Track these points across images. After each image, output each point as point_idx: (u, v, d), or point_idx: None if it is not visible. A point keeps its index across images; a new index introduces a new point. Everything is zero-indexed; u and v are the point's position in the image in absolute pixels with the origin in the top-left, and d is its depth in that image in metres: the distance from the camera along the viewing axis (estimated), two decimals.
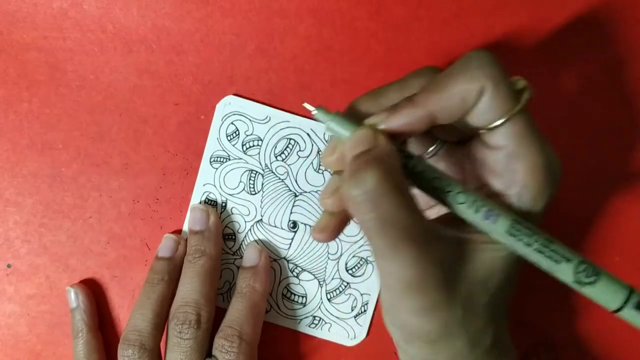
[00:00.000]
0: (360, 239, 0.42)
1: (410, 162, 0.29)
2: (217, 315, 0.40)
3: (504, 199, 0.30)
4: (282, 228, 0.42)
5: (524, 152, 0.28)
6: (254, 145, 0.42)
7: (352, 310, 0.43)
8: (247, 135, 0.42)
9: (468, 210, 0.28)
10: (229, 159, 0.42)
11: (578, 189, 0.41)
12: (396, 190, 0.26)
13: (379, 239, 0.27)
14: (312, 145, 0.42)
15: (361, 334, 0.43)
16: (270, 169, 0.42)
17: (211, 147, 0.42)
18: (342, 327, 0.43)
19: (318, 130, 0.42)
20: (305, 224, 0.42)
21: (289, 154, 0.42)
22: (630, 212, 0.42)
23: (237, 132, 0.42)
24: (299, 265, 0.43)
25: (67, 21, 0.41)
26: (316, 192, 0.42)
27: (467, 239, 0.29)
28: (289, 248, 0.43)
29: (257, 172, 0.42)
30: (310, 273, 0.43)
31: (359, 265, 0.42)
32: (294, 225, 0.42)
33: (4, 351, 0.43)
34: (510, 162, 0.29)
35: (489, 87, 0.27)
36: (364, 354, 0.43)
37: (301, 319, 0.43)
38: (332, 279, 0.42)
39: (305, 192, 0.42)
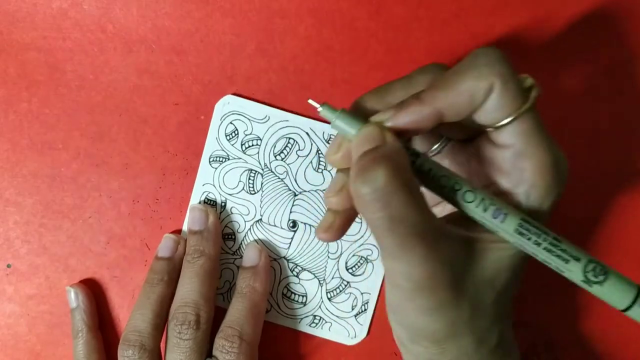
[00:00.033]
0: (360, 237, 0.41)
1: (417, 160, 0.28)
2: (217, 315, 0.39)
3: (511, 197, 0.29)
4: (281, 227, 0.41)
5: (532, 151, 0.28)
6: (253, 145, 0.41)
7: (353, 309, 0.42)
8: (246, 135, 0.41)
9: (476, 208, 0.27)
10: (228, 159, 0.41)
11: (581, 188, 0.41)
12: (405, 188, 0.25)
13: (388, 237, 0.26)
14: (312, 144, 0.41)
15: (362, 333, 0.42)
16: (269, 169, 0.41)
17: (210, 146, 0.41)
18: (342, 326, 0.42)
19: (317, 130, 0.41)
20: (304, 223, 0.41)
21: (288, 153, 0.41)
22: (635, 211, 0.41)
23: (236, 132, 0.41)
24: (299, 264, 0.42)
25: (66, 21, 0.41)
26: (315, 191, 0.41)
27: (475, 237, 0.29)
28: (288, 247, 0.42)
29: (256, 171, 0.41)
30: (310, 272, 0.42)
31: (359, 264, 0.41)
32: (294, 224, 0.41)
33: (4, 351, 0.42)
34: (518, 161, 0.28)
35: (497, 85, 0.26)
36: (365, 353, 0.42)
37: (301, 319, 0.42)
38: (332, 278, 0.42)
39: (305, 191, 0.41)
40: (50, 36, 0.41)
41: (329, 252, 0.41)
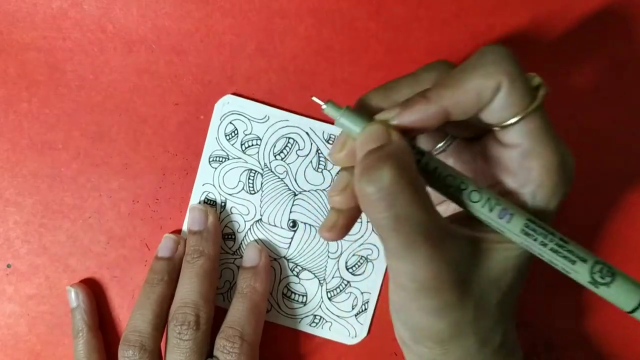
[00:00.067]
0: (360, 237, 0.40)
1: (422, 158, 0.27)
2: (218, 315, 0.38)
3: (517, 197, 0.28)
4: (281, 227, 0.40)
5: (540, 151, 0.26)
6: (253, 145, 0.40)
7: (353, 308, 0.40)
8: (246, 135, 0.40)
9: (482, 208, 0.26)
10: (228, 159, 0.40)
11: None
12: (411, 187, 0.24)
13: (393, 237, 0.25)
14: (311, 144, 0.40)
15: (362, 332, 0.41)
16: (269, 168, 0.40)
17: (210, 146, 0.40)
18: (342, 325, 0.41)
19: (317, 129, 0.40)
20: (305, 223, 0.40)
21: (288, 153, 0.40)
22: None
23: (235, 132, 0.40)
24: (299, 264, 0.40)
25: (66, 21, 0.40)
26: (315, 191, 0.40)
27: (480, 237, 0.28)
28: (288, 247, 0.40)
29: (256, 171, 0.40)
30: (311, 272, 0.40)
31: (359, 263, 0.40)
32: (294, 224, 0.40)
33: (4, 351, 0.41)
34: (525, 160, 0.27)
35: (505, 84, 0.25)
36: (365, 352, 0.41)
37: (302, 318, 0.41)
38: (333, 277, 0.40)
39: (305, 191, 0.40)
40: (50, 36, 0.39)
41: (329, 251, 0.40)
